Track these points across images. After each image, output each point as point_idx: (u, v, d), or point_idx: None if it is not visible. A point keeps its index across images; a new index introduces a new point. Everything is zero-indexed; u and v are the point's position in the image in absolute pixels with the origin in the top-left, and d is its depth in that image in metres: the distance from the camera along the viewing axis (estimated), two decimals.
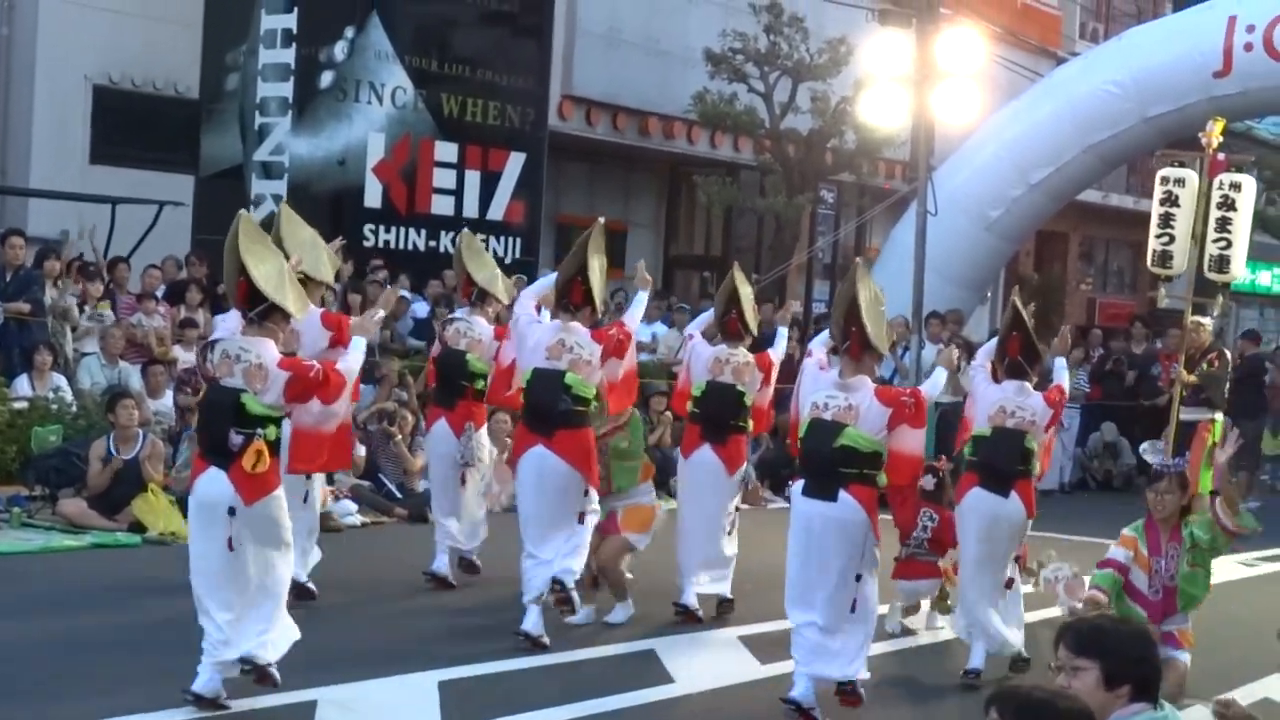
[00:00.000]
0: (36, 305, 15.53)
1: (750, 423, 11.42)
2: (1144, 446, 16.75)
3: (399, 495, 15.38)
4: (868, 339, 8.87)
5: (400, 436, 15.89)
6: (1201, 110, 21.99)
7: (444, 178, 21.21)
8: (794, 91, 24.99)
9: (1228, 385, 17.39)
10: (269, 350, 8.23)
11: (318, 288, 10.37)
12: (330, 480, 14.72)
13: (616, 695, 8.82)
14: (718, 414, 11.20)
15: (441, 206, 21.11)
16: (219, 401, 8.24)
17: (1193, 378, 16.11)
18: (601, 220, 10.83)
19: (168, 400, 15.37)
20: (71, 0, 21.65)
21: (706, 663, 9.93)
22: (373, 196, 20.50)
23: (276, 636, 8.27)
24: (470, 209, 21.37)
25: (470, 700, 8.64)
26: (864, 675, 8.86)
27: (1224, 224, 15.58)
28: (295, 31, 20.15)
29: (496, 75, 21.82)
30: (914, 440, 9.04)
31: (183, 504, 13.00)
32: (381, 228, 20.56)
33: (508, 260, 20.68)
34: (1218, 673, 9.82)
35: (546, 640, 9.82)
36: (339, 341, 9.89)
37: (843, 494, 8.71)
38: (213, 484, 8.14)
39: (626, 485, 10.78)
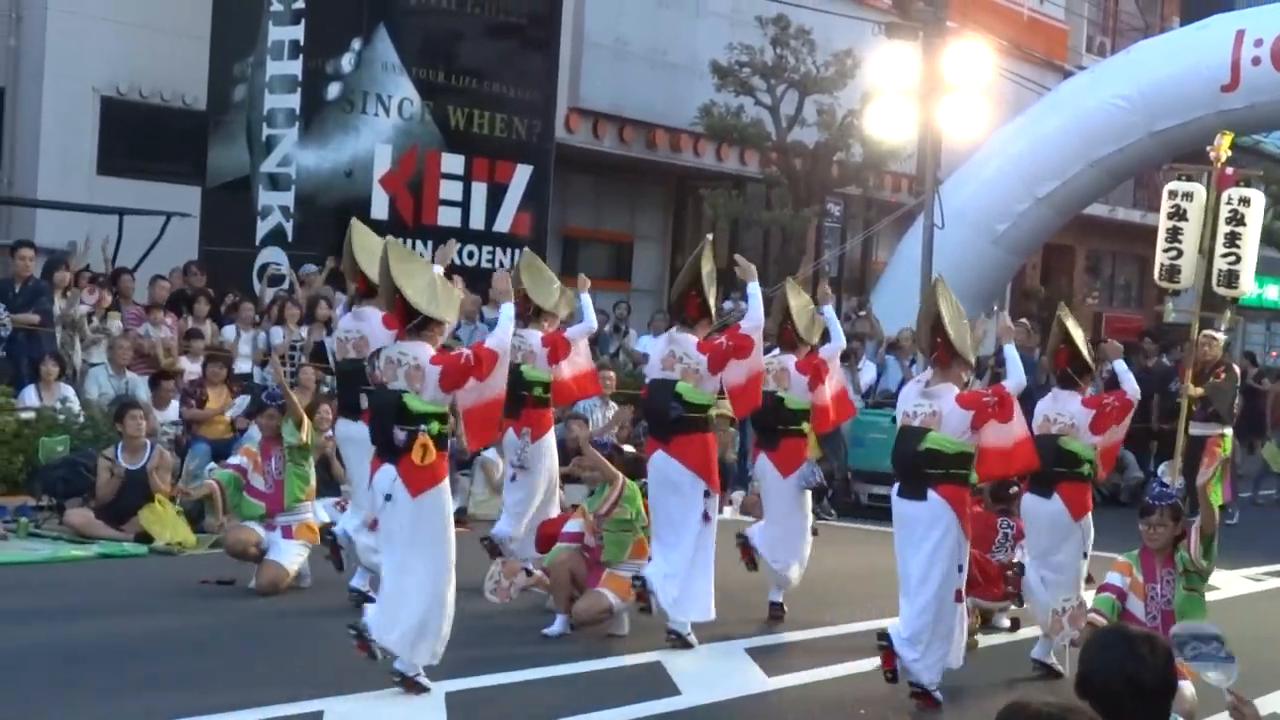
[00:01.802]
0: (45, 316, 15.56)
1: (807, 424, 11.95)
2: (1161, 468, 16.68)
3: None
4: (953, 348, 9.57)
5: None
6: (1209, 124, 22.03)
7: (451, 189, 21.22)
8: (800, 104, 25.03)
9: (1237, 400, 17.40)
10: (425, 351, 8.92)
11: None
12: (337, 491, 14.77)
13: (622, 707, 8.82)
14: (765, 420, 11.78)
15: (448, 218, 21.10)
16: (384, 403, 8.96)
17: (1199, 391, 16.12)
18: (710, 236, 11.44)
19: (172, 412, 15.41)
20: (79, 12, 21.73)
21: (713, 674, 9.93)
22: (379, 208, 20.50)
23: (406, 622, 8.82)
24: (477, 221, 21.39)
25: (477, 712, 8.65)
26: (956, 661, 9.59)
27: (1233, 239, 15.57)
28: (302, 43, 20.19)
29: (503, 87, 21.84)
30: (1002, 434, 9.58)
31: (189, 515, 13.08)
32: (388, 240, 20.52)
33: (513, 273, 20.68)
34: None
35: (694, 640, 10.45)
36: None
37: (931, 493, 9.39)
38: (383, 477, 8.89)
39: (614, 559, 10.88)
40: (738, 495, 17.72)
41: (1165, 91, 23.19)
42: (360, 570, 11.34)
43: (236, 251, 20.18)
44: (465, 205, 21.32)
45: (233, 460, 12.49)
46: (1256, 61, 22.59)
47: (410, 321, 9.00)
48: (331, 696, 8.53)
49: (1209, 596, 13.78)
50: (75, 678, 8.81)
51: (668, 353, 10.74)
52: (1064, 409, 10.49)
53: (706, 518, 10.57)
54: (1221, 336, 17.39)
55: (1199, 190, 15.68)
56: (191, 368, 16.11)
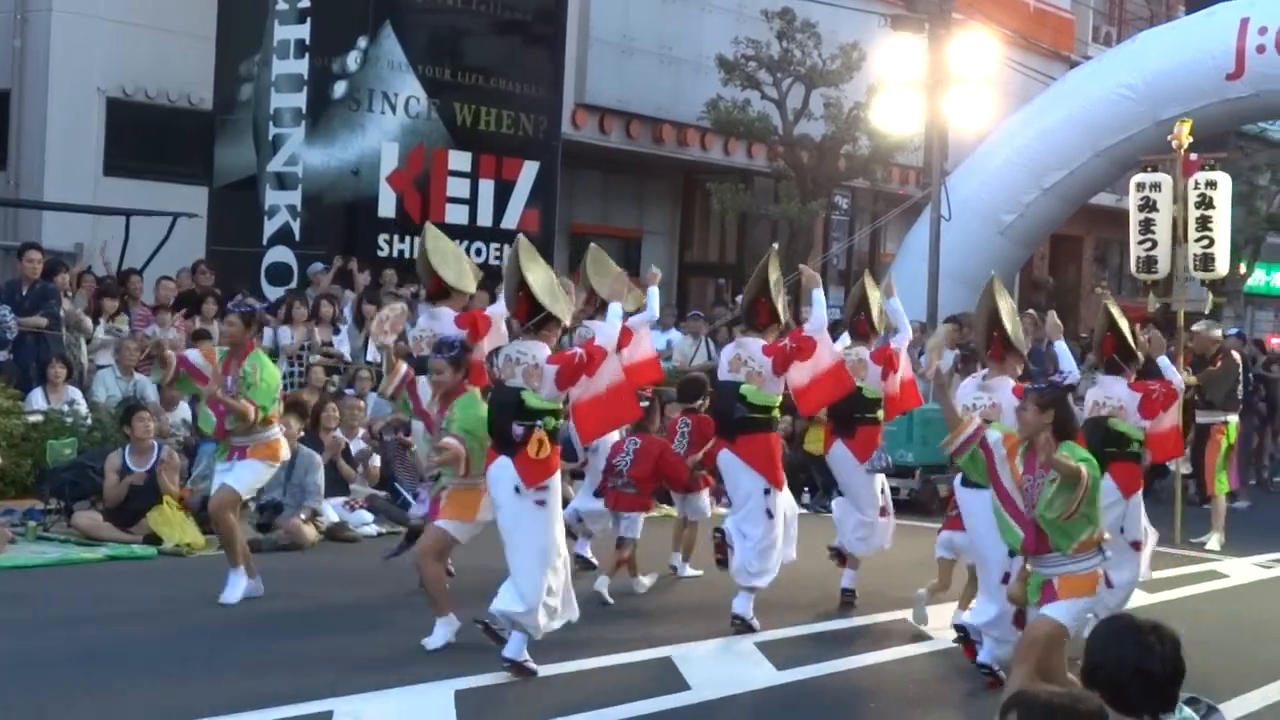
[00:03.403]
0: (53, 319, 15.54)
1: (881, 412, 12.26)
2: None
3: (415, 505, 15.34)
4: (1009, 341, 10.09)
5: (415, 446, 15.85)
6: (1214, 112, 22.02)
7: (458, 187, 21.22)
8: (807, 98, 24.98)
9: (1241, 387, 17.34)
10: (542, 351, 9.51)
11: (461, 296, 11.43)
12: (346, 491, 14.76)
13: (632, 703, 8.77)
14: (841, 409, 12.08)
15: (456, 215, 21.09)
16: (503, 400, 9.47)
17: (1193, 380, 16.06)
18: (775, 246, 11.80)
19: (181, 412, 15.37)
20: (84, 12, 21.71)
21: (723, 669, 9.88)
22: (387, 206, 20.51)
23: (551, 602, 9.37)
24: (484, 218, 21.37)
25: (486, 709, 8.61)
26: None
27: (1204, 222, 15.68)
28: (308, 42, 20.18)
29: (510, 84, 21.83)
30: None
31: (199, 516, 13.03)
32: (396, 237, 20.56)
33: None
34: (1237, 675, 9.79)
35: (756, 624, 10.81)
36: (475, 338, 10.95)
37: None
38: (500, 470, 9.36)
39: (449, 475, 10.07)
40: None
41: (1171, 80, 23.16)
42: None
43: (244, 251, 20.18)
44: (473, 202, 21.32)
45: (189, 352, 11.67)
46: (1261, 49, 22.54)
47: (531, 319, 9.56)
48: (341, 695, 8.49)
49: (1219, 585, 13.87)
50: (85, 679, 8.78)
51: (734, 355, 11.18)
52: (1111, 392, 10.90)
53: (769, 514, 11.00)
54: (1217, 328, 17.39)
55: (1166, 180, 15.74)
56: None
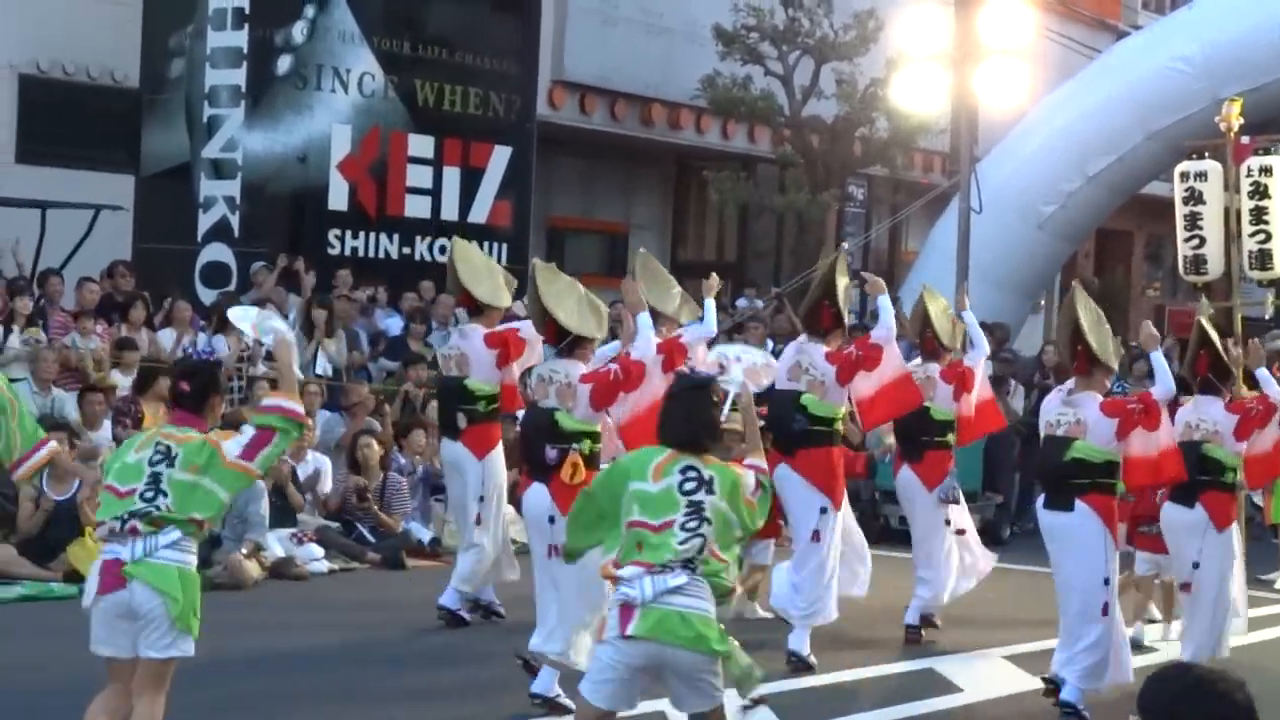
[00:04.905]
0: None
1: (952, 436, 12.85)
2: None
3: (371, 539, 15.40)
4: (1094, 356, 10.46)
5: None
6: None
7: (419, 175, 21.29)
8: (816, 73, 25.09)
9: None
10: (577, 369, 10.11)
11: (496, 313, 12.01)
12: (294, 521, 14.82)
13: None
14: (909, 432, 12.74)
15: (416, 208, 21.18)
16: (536, 421, 10.08)
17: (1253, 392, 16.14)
18: (845, 245, 12.56)
19: (106, 432, 15.40)
20: None
21: None
22: (338, 198, 20.57)
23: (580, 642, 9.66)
24: (449, 211, 21.44)
25: None
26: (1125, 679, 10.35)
27: (1259, 214, 15.67)
28: (248, 10, 20.21)
29: (477, 59, 21.89)
30: (1149, 442, 10.45)
31: None
32: (349, 233, 20.64)
33: None
34: None
35: (813, 661, 11.34)
36: (506, 360, 11.74)
37: (1079, 503, 10.28)
38: (534, 496, 9.92)
39: None
40: None
41: (1233, 52, 23.20)
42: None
43: (176, 249, 20.22)
44: (436, 193, 21.39)
45: None
46: None
47: (562, 341, 10.22)
48: None
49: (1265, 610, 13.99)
50: None
51: (794, 363, 11.60)
52: (1206, 414, 11.43)
53: (816, 536, 11.45)
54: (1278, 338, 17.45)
55: (1214, 167, 15.76)
56: (124, 381, 16.10)
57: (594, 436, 10.05)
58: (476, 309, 12.00)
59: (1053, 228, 24.89)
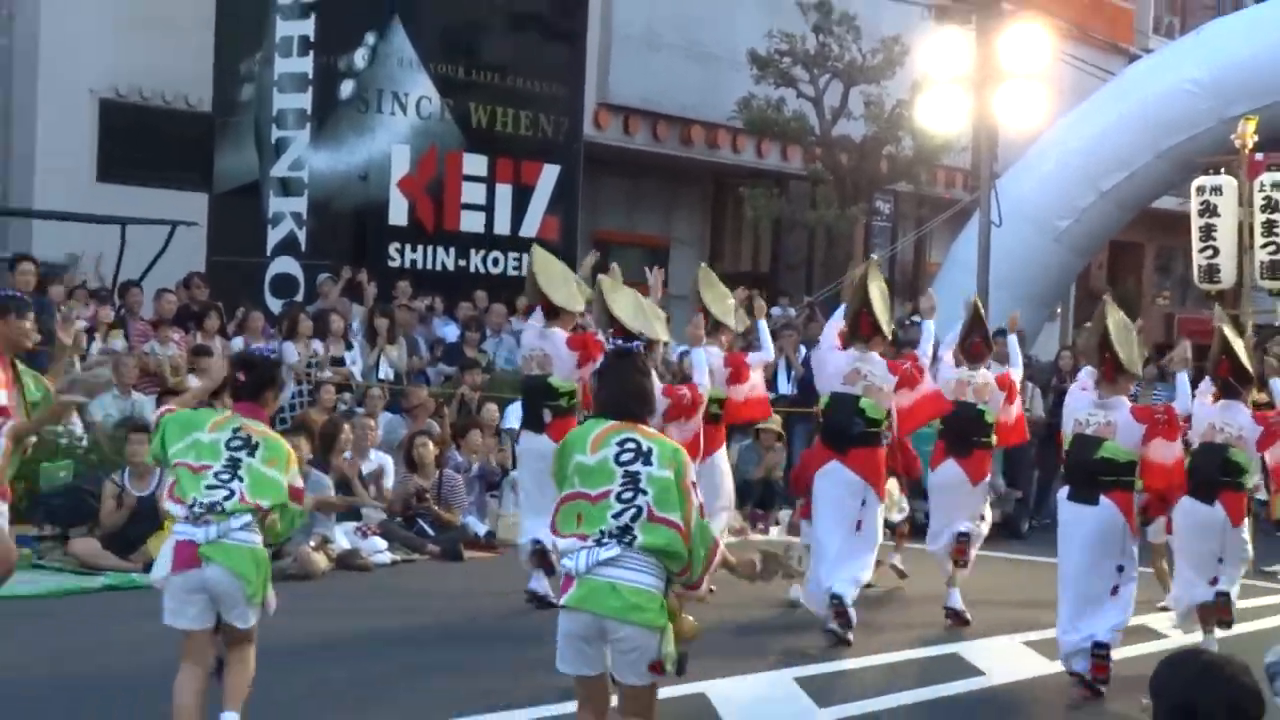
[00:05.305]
0: (47, 335, 15.65)
1: (994, 438, 13.32)
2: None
3: (431, 532, 15.48)
4: (1120, 364, 10.59)
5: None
6: None
7: (473, 192, 21.35)
8: (845, 95, 25.11)
9: None
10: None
11: (571, 316, 12.26)
12: (358, 516, 14.90)
13: None
14: (961, 430, 13.07)
15: (471, 223, 21.25)
16: None
17: (1263, 397, 16.13)
18: (875, 256, 13.03)
19: None
20: (75, 9, 21.91)
21: (760, 704, 10.00)
22: (398, 213, 20.65)
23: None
24: (502, 225, 21.51)
25: None
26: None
27: (1271, 227, 15.66)
28: (313, 39, 20.37)
29: (528, 82, 21.94)
30: (1167, 451, 10.66)
31: None
32: (408, 246, 20.72)
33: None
34: None
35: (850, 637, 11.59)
36: (586, 360, 11.99)
37: (1103, 499, 10.51)
38: None
39: None
40: (784, 514, 17.82)
41: (1240, 74, 23.12)
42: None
43: (246, 262, 20.34)
44: (489, 209, 21.44)
45: None
46: None
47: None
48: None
49: (1268, 600, 14.00)
50: (80, 715, 8.91)
51: (853, 369, 11.85)
52: (1232, 419, 11.69)
53: (859, 526, 11.80)
54: None
55: (1229, 182, 15.75)
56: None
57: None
58: (553, 312, 12.19)
59: (1068, 240, 24.86)
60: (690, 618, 7.02)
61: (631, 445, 6.75)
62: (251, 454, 7.68)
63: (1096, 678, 10.43)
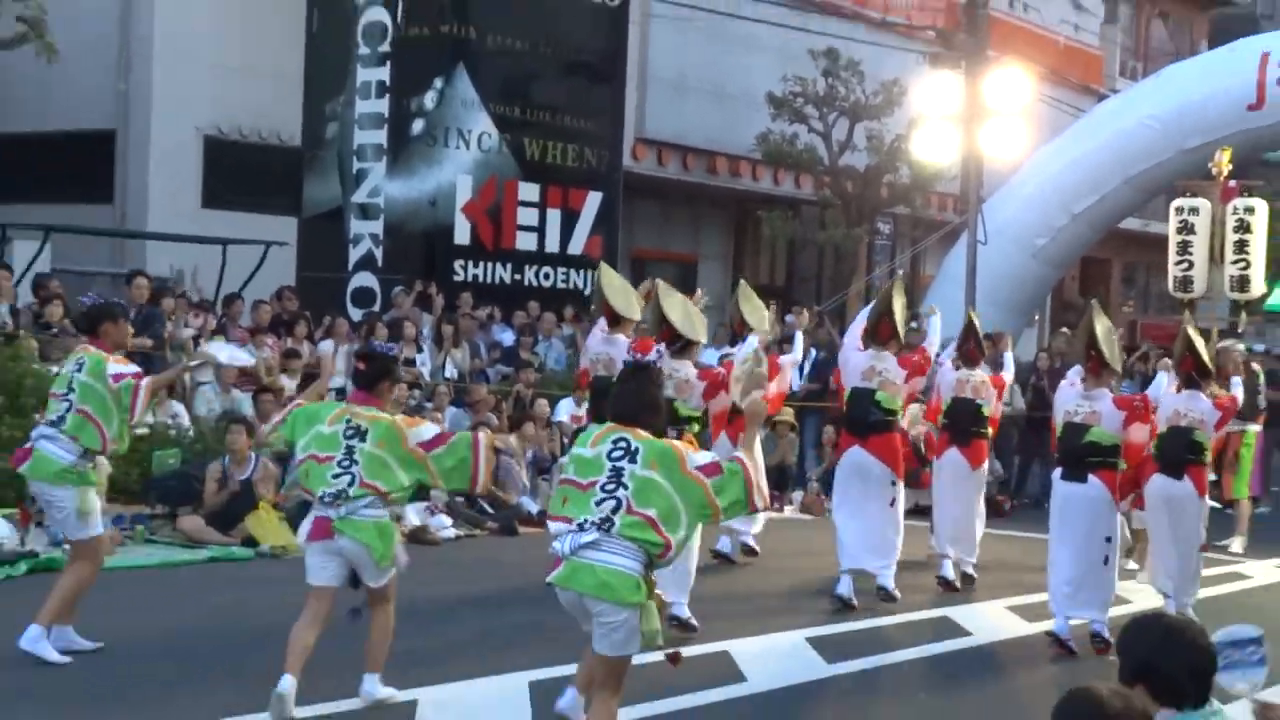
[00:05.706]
0: (158, 341, 15.74)
1: (990, 429, 13.56)
2: None
3: (489, 510, 15.48)
4: (1104, 361, 10.78)
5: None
6: (1236, 142, 21.88)
7: (527, 216, 21.34)
8: (851, 131, 25.03)
9: (1260, 397, 17.22)
10: (689, 368, 10.89)
11: (630, 323, 12.14)
12: (427, 496, 14.89)
13: (691, 694, 8.83)
14: (962, 422, 13.27)
15: (525, 242, 21.25)
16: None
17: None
18: (900, 272, 12.49)
19: None
20: (183, 58, 22.00)
21: (777, 662, 9.94)
22: (462, 234, 20.67)
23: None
24: (552, 244, 21.50)
25: (554, 698, 8.67)
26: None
27: (1241, 246, 15.62)
28: (389, 83, 20.43)
29: (575, 120, 21.94)
30: (1142, 434, 10.98)
31: (292, 520, 13.18)
32: (470, 263, 20.72)
33: (586, 290, 20.80)
34: None
35: (855, 603, 11.61)
36: None
37: (1091, 477, 10.71)
38: None
39: None
40: (797, 495, 17.78)
41: (1195, 111, 23.04)
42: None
43: (331, 276, 20.40)
44: (541, 230, 21.44)
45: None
46: None
47: (676, 344, 10.67)
48: (423, 686, 8.60)
49: (1242, 586, 13.83)
50: (183, 673, 8.93)
51: (869, 367, 12.04)
52: (1195, 406, 11.71)
53: (893, 503, 12.03)
54: (1241, 346, 17.30)
55: (1204, 204, 15.70)
56: (290, 384, 16.23)
57: (701, 421, 10.90)
58: (615, 319, 12.16)
59: (1044, 257, 24.76)
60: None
61: (623, 444, 6.65)
62: (363, 440, 7.84)
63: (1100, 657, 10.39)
